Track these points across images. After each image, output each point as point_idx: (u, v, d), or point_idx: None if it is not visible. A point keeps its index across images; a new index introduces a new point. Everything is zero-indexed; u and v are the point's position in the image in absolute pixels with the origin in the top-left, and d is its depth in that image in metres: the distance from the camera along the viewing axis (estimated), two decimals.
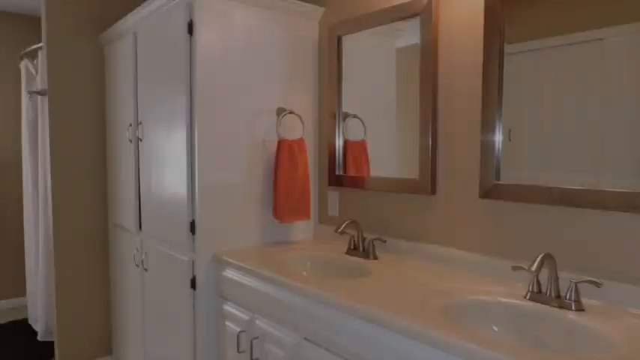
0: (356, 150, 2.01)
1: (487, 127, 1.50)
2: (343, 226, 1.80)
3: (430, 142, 1.68)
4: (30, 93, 3.21)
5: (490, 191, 1.50)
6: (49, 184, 2.66)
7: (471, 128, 1.59)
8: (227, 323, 1.82)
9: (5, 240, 3.95)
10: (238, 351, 1.72)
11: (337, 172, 2.09)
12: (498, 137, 1.48)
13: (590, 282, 1.23)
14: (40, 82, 3.11)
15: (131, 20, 2.28)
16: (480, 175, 1.52)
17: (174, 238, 2.00)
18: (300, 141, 2.03)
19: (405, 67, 1.78)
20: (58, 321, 2.69)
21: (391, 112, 1.85)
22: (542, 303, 1.26)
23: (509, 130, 1.46)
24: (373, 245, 1.78)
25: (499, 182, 1.48)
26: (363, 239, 1.84)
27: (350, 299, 1.28)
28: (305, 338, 1.45)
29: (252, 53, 1.97)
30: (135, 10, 2.22)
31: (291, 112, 2.06)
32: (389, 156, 1.87)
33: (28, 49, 3.25)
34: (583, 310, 1.21)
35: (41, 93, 2.94)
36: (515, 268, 1.35)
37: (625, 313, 1.19)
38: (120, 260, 2.64)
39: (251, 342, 1.65)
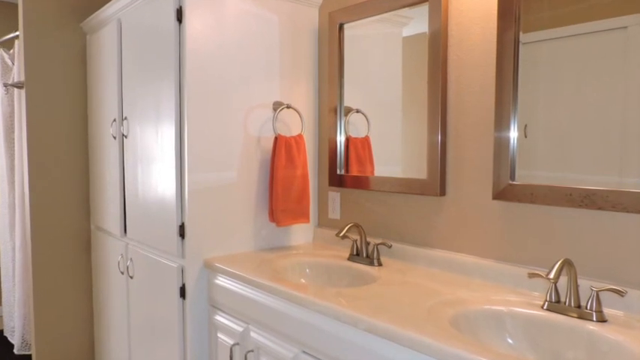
0: (359, 147, 2.01)
1: (501, 122, 1.50)
2: (345, 229, 1.80)
3: (439, 139, 1.68)
4: (6, 85, 3.21)
5: (504, 192, 1.50)
6: (27, 184, 2.66)
7: (483, 124, 1.59)
8: (219, 335, 1.82)
9: None
10: None
11: (339, 172, 2.09)
12: (513, 133, 1.48)
13: (613, 290, 1.23)
14: (17, 73, 3.11)
15: (116, 6, 2.28)
16: (493, 174, 1.52)
17: (162, 242, 2.00)
18: (299, 137, 2.03)
19: (413, 58, 1.78)
20: (35, 333, 2.69)
21: (397, 107, 1.85)
22: (560, 313, 1.26)
23: (525, 125, 1.46)
24: (377, 250, 1.78)
25: (514, 182, 1.48)
26: (367, 244, 1.84)
27: (352, 309, 1.28)
28: (303, 351, 1.45)
29: (246, 43, 1.97)
30: None
31: (288, 107, 2.06)
32: (395, 154, 1.87)
33: (4, 38, 3.25)
34: (605, 320, 1.21)
35: (18, 85, 2.94)
36: (531, 276, 1.35)
37: None
38: (103, 267, 2.64)
39: (245, 355, 1.65)
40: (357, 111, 2.02)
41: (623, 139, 1.26)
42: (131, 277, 2.29)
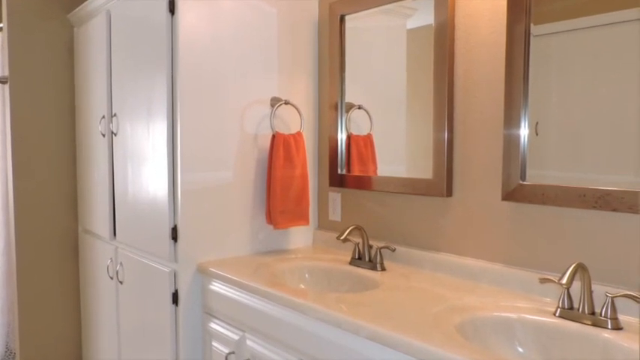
0: (361, 146, 2.01)
1: (511, 119, 1.50)
2: (346, 232, 1.80)
3: (446, 137, 1.68)
4: None
5: (514, 192, 1.50)
6: (11, 184, 2.66)
7: (492, 121, 1.59)
8: (214, 344, 1.82)
9: None
10: None
11: (339, 171, 2.08)
12: (524, 131, 1.48)
13: (629, 296, 1.22)
14: (0, 68, 3.11)
15: None
16: (503, 174, 1.52)
17: (153, 246, 2.00)
18: (298, 135, 2.03)
19: (417, 51, 1.78)
20: (20, 341, 2.69)
21: (401, 103, 1.85)
22: (573, 320, 1.26)
23: (537, 123, 1.46)
24: (380, 254, 1.78)
25: (524, 182, 1.48)
26: (369, 247, 1.84)
27: (354, 316, 1.28)
28: None
29: (242, 36, 1.97)
30: None
31: (287, 103, 2.06)
32: (398, 152, 1.87)
33: None
34: (621, 328, 1.21)
35: (1, 80, 2.94)
36: (543, 281, 1.35)
37: None
38: (92, 271, 2.64)
39: None
40: (359, 107, 2.01)
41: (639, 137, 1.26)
42: (121, 283, 2.29)
